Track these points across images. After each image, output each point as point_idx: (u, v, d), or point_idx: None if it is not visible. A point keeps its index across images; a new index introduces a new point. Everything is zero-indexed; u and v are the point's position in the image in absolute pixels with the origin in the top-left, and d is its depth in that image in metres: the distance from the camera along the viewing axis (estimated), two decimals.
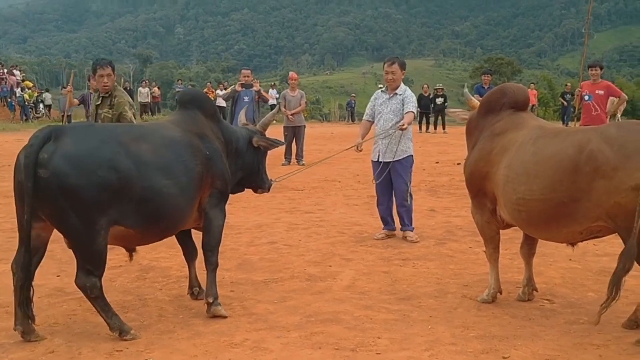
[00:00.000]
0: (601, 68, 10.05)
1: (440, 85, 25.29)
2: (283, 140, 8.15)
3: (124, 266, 5.46)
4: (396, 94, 6.54)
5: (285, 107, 12.20)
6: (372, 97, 6.76)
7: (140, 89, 31.56)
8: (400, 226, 6.68)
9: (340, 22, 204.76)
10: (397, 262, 5.73)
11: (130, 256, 4.48)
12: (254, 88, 11.18)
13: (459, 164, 12.49)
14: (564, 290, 4.85)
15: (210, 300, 4.37)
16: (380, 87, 6.94)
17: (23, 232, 3.76)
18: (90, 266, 3.83)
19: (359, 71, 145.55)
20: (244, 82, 11.14)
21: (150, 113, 30.15)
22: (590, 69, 10.00)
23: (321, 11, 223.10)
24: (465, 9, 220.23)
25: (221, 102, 29.94)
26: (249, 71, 11.62)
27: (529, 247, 4.62)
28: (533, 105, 29.23)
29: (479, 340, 3.86)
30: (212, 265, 4.46)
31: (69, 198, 3.67)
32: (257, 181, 5.11)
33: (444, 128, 23.60)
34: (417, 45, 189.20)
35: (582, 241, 4.16)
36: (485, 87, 13.53)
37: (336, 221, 7.53)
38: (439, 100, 23.03)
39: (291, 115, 11.93)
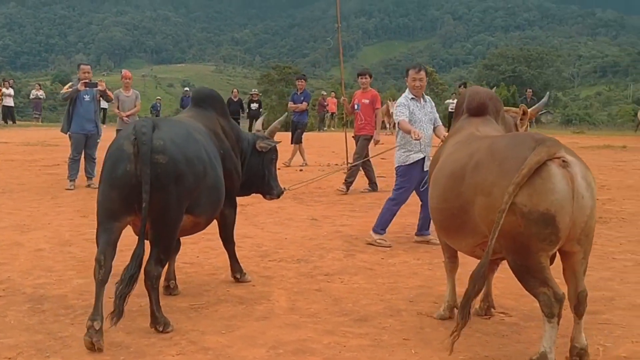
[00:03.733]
0: (370, 76, 10.21)
1: (255, 90, 25.18)
2: None
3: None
4: (425, 100, 6.60)
5: (119, 108, 11.04)
6: (403, 102, 6.49)
7: None
8: (416, 231, 6.77)
9: (117, 21, 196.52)
10: (320, 278, 5.31)
11: None
12: (99, 88, 9.95)
13: (301, 170, 12.43)
14: (510, 302, 4.72)
15: (238, 276, 5.12)
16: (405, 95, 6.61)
17: (110, 223, 3.76)
18: (164, 255, 3.95)
19: (138, 73, 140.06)
20: (84, 79, 9.86)
21: None
22: (360, 77, 10.05)
23: (97, 9, 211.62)
24: (245, 16, 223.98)
25: (8, 102, 26.95)
26: (89, 67, 10.34)
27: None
28: (333, 113, 30.43)
29: None
30: (231, 250, 5.10)
31: (178, 185, 3.82)
32: (264, 187, 5.26)
33: None
34: (197, 50, 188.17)
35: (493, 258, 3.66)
36: (299, 93, 13.56)
37: None
38: (254, 106, 22.90)
39: (126, 117, 10.83)
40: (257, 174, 5.14)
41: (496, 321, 4.34)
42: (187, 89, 31.24)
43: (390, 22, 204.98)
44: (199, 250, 6.15)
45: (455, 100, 26.49)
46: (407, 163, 6.43)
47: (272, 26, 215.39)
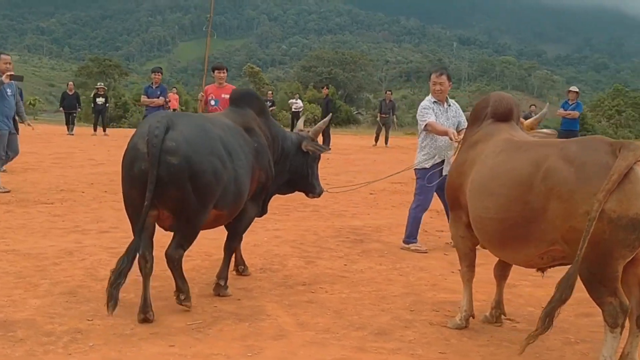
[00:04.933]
0: (227, 70, 9.66)
1: (102, 84, 23.41)
2: None
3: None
4: (449, 104, 6.47)
5: None
6: (427, 106, 6.32)
7: None
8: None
9: None
10: (301, 288, 5.00)
11: None
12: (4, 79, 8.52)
13: None
14: (529, 309, 4.66)
15: (222, 283, 4.75)
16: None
17: (139, 218, 3.90)
18: (186, 242, 4.21)
19: None
20: (6, 70, 8.59)
21: None
22: (217, 71, 9.42)
23: None
24: (52, 5, 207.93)
25: None
26: (9, 57, 8.89)
27: (501, 269, 4.32)
28: (174, 109, 29.28)
29: None
30: (230, 250, 4.88)
31: (195, 182, 3.96)
32: (307, 185, 5.37)
33: (104, 130, 22.00)
34: None
35: (547, 266, 3.74)
36: (154, 87, 13.00)
37: None
38: (100, 100, 21.26)
39: None
40: (301, 173, 5.26)
41: (508, 328, 4.31)
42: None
43: (206, 18, 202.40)
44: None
45: (299, 101, 27.17)
46: (427, 166, 6.28)
47: (81, 16, 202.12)
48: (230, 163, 4.25)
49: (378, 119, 22.78)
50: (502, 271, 4.33)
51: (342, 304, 4.64)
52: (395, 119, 23.50)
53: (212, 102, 9.22)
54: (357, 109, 65.27)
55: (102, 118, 22.06)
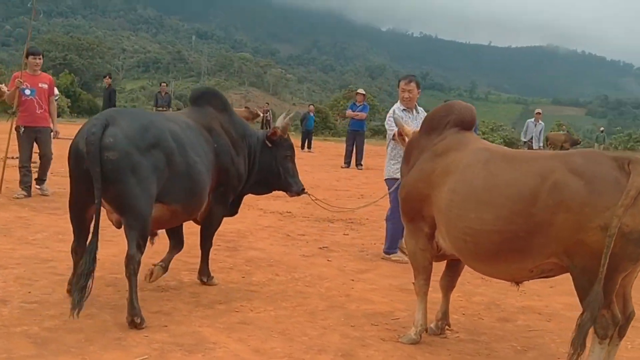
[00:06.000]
0: (43, 56, 8.73)
1: None
2: None
3: None
4: (417, 111, 6.41)
5: None
6: (394, 113, 5.99)
7: None
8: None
9: None
10: (220, 308, 4.49)
11: (152, 240, 4.57)
12: None
13: None
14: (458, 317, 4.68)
15: (205, 280, 4.99)
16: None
17: (82, 217, 4.09)
18: (142, 240, 4.02)
19: None
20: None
21: None
22: (30, 56, 8.34)
23: None
24: None
25: None
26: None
27: (450, 279, 4.30)
28: None
29: None
30: (205, 249, 5.02)
31: (135, 177, 3.91)
32: (281, 184, 5.26)
33: None
34: None
35: (528, 280, 3.77)
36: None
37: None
38: None
39: None
40: (271, 171, 5.16)
41: (456, 340, 4.27)
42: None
43: None
44: None
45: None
46: (398, 176, 5.81)
47: None
48: (180, 158, 4.22)
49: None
50: (449, 282, 4.33)
51: (278, 323, 4.27)
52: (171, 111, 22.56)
53: (27, 92, 7.85)
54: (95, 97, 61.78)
55: None
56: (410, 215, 4.11)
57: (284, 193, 5.42)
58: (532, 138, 17.31)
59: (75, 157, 3.95)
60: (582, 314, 3.25)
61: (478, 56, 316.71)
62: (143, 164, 3.95)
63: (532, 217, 3.38)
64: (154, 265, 4.75)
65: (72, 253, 4.19)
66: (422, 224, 4.01)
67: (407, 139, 4.60)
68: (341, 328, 4.29)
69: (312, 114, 23.98)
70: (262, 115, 31.72)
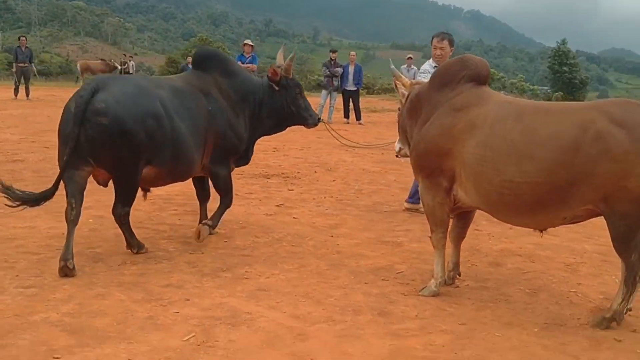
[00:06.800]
0: None
1: None
2: None
3: None
4: None
5: None
6: (425, 70, 6.23)
7: None
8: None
9: None
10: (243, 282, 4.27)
11: (145, 195, 4.89)
12: None
13: None
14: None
15: (210, 223, 4.98)
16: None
17: (84, 178, 4.21)
18: (127, 199, 4.39)
19: None
20: None
21: None
22: None
23: None
24: None
25: None
26: None
27: (460, 231, 4.36)
28: None
29: (550, 331, 3.79)
30: (225, 205, 5.14)
31: (126, 141, 4.10)
32: (296, 120, 5.39)
33: None
34: None
35: (556, 227, 4.01)
36: None
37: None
38: None
39: None
40: (285, 112, 5.27)
41: (469, 288, 4.39)
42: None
43: None
44: None
45: None
46: None
47: None
48: (169, 122, 4.36)
49: (14, 68, 19.57)
50: (459, 233, 4.41)
51: (295, 287, 4.20)
52: (34, 67, 20.96)
53: None
54: None
55: None
56: (428, 170, 4.09)
57: None
58: None
59: (66, 119, 4.11)
60: (628, 255, 3.51)
61: (319, 3, 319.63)
62: (133, 129, 4.12)
63: (574, 167, 3.50)
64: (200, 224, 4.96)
65: (65, 217, 4.18)
66: (440, 179, 4.02)
67: (403, 90, 4.55)
68: (358, 286, 4.27)
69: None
70: (119, 67, 30.03)
